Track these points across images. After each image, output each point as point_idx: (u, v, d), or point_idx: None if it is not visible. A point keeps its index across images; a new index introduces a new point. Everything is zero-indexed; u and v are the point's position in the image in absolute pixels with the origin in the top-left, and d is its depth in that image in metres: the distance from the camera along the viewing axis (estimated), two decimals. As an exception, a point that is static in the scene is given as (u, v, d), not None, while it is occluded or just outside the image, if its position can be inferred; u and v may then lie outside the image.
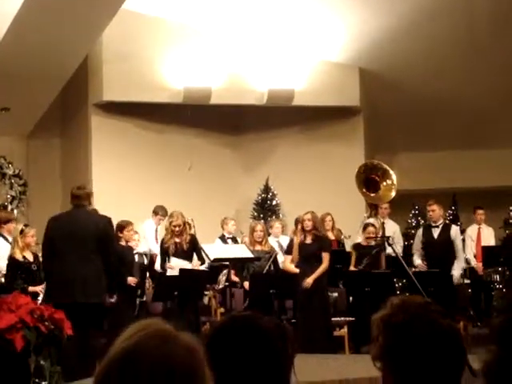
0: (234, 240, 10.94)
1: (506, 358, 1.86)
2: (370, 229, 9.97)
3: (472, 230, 11.69)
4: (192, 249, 9.28)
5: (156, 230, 11.09)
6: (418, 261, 10.09)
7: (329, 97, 12.75)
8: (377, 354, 2.05)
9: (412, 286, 8.70)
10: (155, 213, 11.07)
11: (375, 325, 2.07)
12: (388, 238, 9.16)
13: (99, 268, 7.26)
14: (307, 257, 9.39)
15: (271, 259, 9.84)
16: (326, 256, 9.27)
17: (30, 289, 8.66)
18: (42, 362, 4.74)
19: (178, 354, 1.36)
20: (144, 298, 9.26)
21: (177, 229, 9.24)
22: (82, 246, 7.25)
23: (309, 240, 9.45)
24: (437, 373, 1.95)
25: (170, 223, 9.33)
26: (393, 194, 9.77)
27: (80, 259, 7.22)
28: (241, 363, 1.75)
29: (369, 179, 9.68)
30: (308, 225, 9.46)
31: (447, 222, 10.97)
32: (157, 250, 10.32)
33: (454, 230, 10.24)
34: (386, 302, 2.08)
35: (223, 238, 10.93)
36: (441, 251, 9.96)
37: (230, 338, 1.80)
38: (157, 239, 10.97)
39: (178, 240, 9.24)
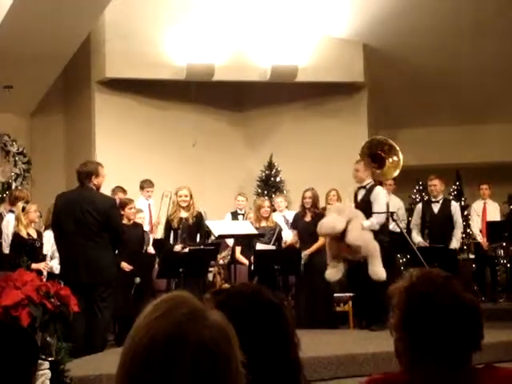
0: (244, 216, 11.01)
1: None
2: None
3: (477, 205, 11.69)
4: (197, 225, 9.23)
5: (149, 206, 11.02)
6: (418, 238, 10.11)
7: (332, 73, 12.71)
8: (396, 324, 2.05)
9: (415, 261, 8.72)
10: (141, 187, 11.03)
11: (396, 295, 2.07)
12: (392, 213, 9.16)
13: (102, 247, 7.24)
14: (306, 234, 9.45)
15: (275, 235, 9.86)
16: None
17: (33, 266, 8.67)
18: (48, 339, 4.76)
19: (216, 336, 1.33)
20: (137, 281, 9.11)
21: (183, 199, 9.17)
22: (85, 225, 7.23)
23: (308, 218, 9.51)
24: (454, 344, 1.96)
25: (177, 194, 9.28)
26: (397, 171, 9.75)
27: (83, 239, 7.21)
28: (252, 340, 1.73)
29: (375, 155, 9.67)
30: (308, 202, 9.53)
31: (447, 197, 10.96)
32: (147, 227, 10.31)
33: (454, 206, 10.27)
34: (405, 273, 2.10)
35: (235, 214, 11.00)
36: (441, 226, 10.00)
37: (237, 306, 1.78)
38: (151, 214, 10.94)
39: (184, 215, 9.18)
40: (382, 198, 9.03)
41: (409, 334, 2.04)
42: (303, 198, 9.70)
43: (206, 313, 1.35)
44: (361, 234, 8.67)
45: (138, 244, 9.42)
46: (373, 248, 8.67)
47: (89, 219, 7.21)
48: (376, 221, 8.86)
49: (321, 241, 9.37)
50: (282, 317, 1.80)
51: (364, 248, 8.66)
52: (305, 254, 9.37)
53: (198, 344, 1.30)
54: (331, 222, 8.77)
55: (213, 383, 1.30)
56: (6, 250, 9.31)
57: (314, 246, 9.43)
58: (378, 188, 9.10)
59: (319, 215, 9.41)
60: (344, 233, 8.67)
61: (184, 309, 1.34)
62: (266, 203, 10.19)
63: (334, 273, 8.89)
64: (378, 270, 8.59)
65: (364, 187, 9.10)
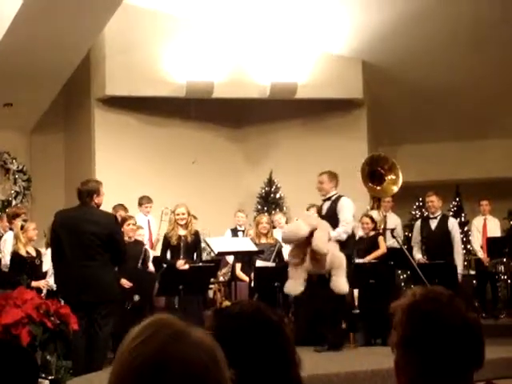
0: (244, 232, 11.00)
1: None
2: (364, 219, 9.95)
3: (478, 221, 11.69)
4: (195, 243, 9.24)
5: (148, 223, 11.02)
6: (418, 255, 10.11)
7: (332, 89, 12.74)
8: (397, 342, 2.05)
9: (416, 277, 8.70)
10: (139, 204, 11.03)
11: (398, 313, 2.07)
12: (393, 230, 9.17)
13: (104, 266, 7.20)
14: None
15: (275, 251, 9.84)
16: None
17: (33, 284, 8.65)
18: (48, 357, 4.75)
19: (202, 355, 1.33)
20: (136, 298, 9.07)
21: (181, 217, 9.18)
22: (87, 244, 7.17)
23: None
24: (456, 363, 1.95)
25: (174, 212, 9.30)
26: (396, 188, 9.76)
27: (84, 257, 7.15)
28: (251, 358, 1.74)
29: (374, 172, 9.67)
30: None
31: (445, 213, 10.96)
32: (147, 243, 10.30)
33: (452, 222, 10.26)
34: (403, 292, 2.09)
35: (234, 230, 11.00)
36: (438, 242, 9.99)
37: (240, 332, 1.79)
38: (150, 231, 10.93)
39: (183, 233, 9.20)
40: (348, 207, 8.66)
41: (410, 352, 2.03)
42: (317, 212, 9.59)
43: (189, 332, 1.35)
44: (326, 241, 8.25)
45: (137, 261, 9.39)
46: (339, 259, 8.28)
47: (91, 238, 7.16)
48: (343, 230, 8.47)
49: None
50: (281, 335, 1.80)
51: (329, 259, 8.25)
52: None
53: (184, 364, 1.31)
54: (294, 228, 8.51)
55: None
56: (4, 269, 9.29)
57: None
58: (344, 198, 8.72)
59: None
60: (309, 242, 8.26)
61: (168, 330, 1.35)
62: (264, 219, 10.17)
63: (293, 286, 8.41)
64: (341, 282, 8.23)
65: (329, 199, 8.78)
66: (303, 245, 8.31)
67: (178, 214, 9.22)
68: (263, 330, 1.79)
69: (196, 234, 9.28)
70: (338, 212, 8.60)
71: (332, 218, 8.54)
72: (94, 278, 7.09)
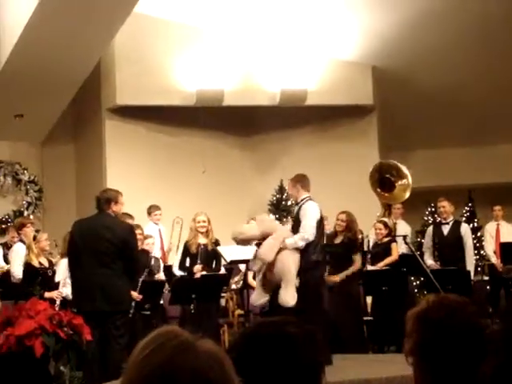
0: None
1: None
2: (377, 225, 9.93)
3: (491, 227, 11.62)
4: (215, 251, 9.20)
5: (159, 232, 10.99)
6: (429, 261, 10.07)
7: (342, 96, 12.73)
8: (410, 350, 2.04)
9: (429, 284, 8.65)
10: (148, 213, 10.98)
11: (410, 320, 2.06)
12: (405, 236, 9.13)
13: (118, 275, 7.16)
14: (335, 257, 9.26)
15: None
16: (356, 258, 9.32)
17: (46, 295, 8.64)
18: (61, 368, 4.75)
19: (210, 363, 1.34)
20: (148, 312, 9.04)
21: (202, 225, 9.14)
22: (102, 252, 7.14)
23: (338, 240, 9.41)
24: (470, 370, 1.93)
25: (195, 220, 9.26)
26: (407, 194, 9.70)
27: (99, 266, 7.12)
28: (269, 372, 1.73)
29: (383, 179, 9.63)
30: (341, 225, 9.44)
31: (458, 219, 10.91)
32: (159, 252, 10.27)
33: (464, 228, 10.22)
34: (419, 299, 2.07)
35: None
36: (451, 248, 9.95)
37: (258, 346, 1.78)
38: (162, 240, 10.90)
39: (203, 241, 9.16)
40: (311, 212, 8.00)
41: (424, 360, 2.02)
42: (336, 219, 9.53)
43: (197, 343, 1.37)
44: (272, 249, 7.72)
45: (150, 271, 9.36)
46: (287, 270, 7.73)
47: (106, 244, 7.14)
48: (299, 237, 7.81)
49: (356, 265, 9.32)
50: (301, 349, 1.79)
51: (279, 269, 7.74)
52: (335, 279, 9.21)
53: (193, 373, 1.32)
54: (243, 229, 8.26)
55: None
56: (15, 280, 9.30)
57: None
58: (308, 203, 8.08)
59: (351, 240, 9.36)
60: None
61: (174, 341, 1.36)
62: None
63: (257, 296, 7.96)
64: (287, 295, 7.64)
65: (297, 204, 8.25)
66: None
67: (198, 222, 9.19)
68: (282, 348, 1.77)
69: (216, 243, 9.26)
70: (301, 217, 8.02)
71: (296, 224, 8.07)
72: (109, 287, 7.05)
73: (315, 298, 7.75)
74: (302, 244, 7.80)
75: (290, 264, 7.74)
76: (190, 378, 1.31)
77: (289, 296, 7.62)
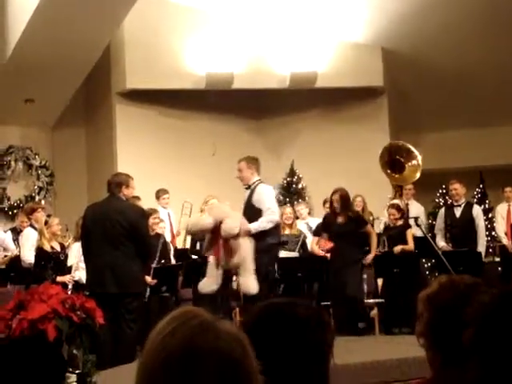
0: None
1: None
2: (390, 210, 9.86)
3: (502, 208, 11.60)
4: None
5: (169, 216, 10.99)
6: (441, 243, 10.06)
7: (352, 78, 12.68)
8: (421, 331, 2.05)
9: (440, 265, 8.65)
10: (157, 197, 10.96)
11: (421, 302, 2.07)
12: (417, 218, 9.09)
13: (129, 257, 7.18)
14: (339, 237, 8.93)
15: (300, 242, 9.82)
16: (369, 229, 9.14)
17: (59, 279, 8.69)
18: (74, 352, 4.77)
19: (231, 344, 1.34)
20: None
21: None
22: (113, 234, 7.16)
23: (341, 219, 8.95)
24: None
25: (207, 204, 9.24)
26: (417, 175, 9.68)
27: (111, 248, 7.15)
28: (279, 352, 1.75)
29: (393, 160, 9.61)
30: (336, 207, 8.98)
31: (470, 201, 10.88)
32: (168, 236, 10.27)
33: (476, 210, 10.20)
34: (431, 281, 2.08)
35: None
36: (463, 230, 9.94)
37: (268, 326, 1.79)
38: (171, 224, 10.90)
39: None
40: (268, 194, 7.91)
41: (435, 341, 2.03)
42: (331, 201, 9.13)
43: (216, 323, 1.36)
44: (234, 222, 7.43)
45: (160, 254, 9.40)
46: (247, 258, 7.52)
47: (118, 228, 7.17)
48: (267, 220, 7.65)
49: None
50: (309, 330, 1.80)
51: (241, 255, 7.50)
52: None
53: (214, 353, 1.31)
54: (195, 220, 8.15)
55: None
56: (25, 265, 9.34)
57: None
58: (262, 186, 7.96)
59: (356, 217, 9.04)
60: (218, 236, 7.56)
61: (195, 321, 1.35)
62: (288, 210, 10.15)
63: (207, 284, 7.75)
64: (248, 282, 7.50)
65: (249, 187, 8.03)
66: (213, 241, 7.69)
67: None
68: (289, 326, 1.79)
69: None
70: (255, 201, 7.82)
71: (249, 209, 7.85)
72: (118, 268, 7.07)
73: (263, 283, 7.57)
74: (269, 226, 7.67)
75: (249, 252, 7.57)
76: (212, 358, 1.31)
77: (251, 283, 7.48)
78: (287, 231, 9.85)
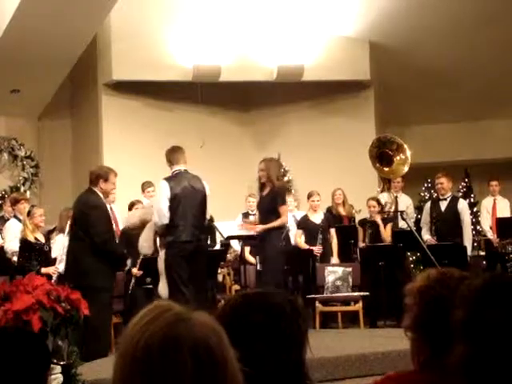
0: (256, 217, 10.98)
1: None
2: (370, 202, 9.93)
3: (487, 202, 11.65)
4: (210, 227, 9.19)
5: None
6: (426, 236, 10.10)
7: (339, 71, 12.68)
8: (410, 324, 2.06)
9: (425, 259, 8.68)
10: (142, 190, 10.94)
11: (411, 295, 2.07)
12: (402, 212, 9.13)
13: (81, 249, 7.19)
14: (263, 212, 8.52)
15: (283, 235, 9.81)
16: (282, 209, 8.32)
17: (43, 270, 8.66)
18: (59, 343, 4.77)
19: (208, 333, 1.36)
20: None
21: None
22: (76, 227, 7.33)
23: (265, 192, 8.50)
24: None
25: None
26: (406, 168, 9.70)
27: (72, 240, 7.34)
28: (254, 340, 1.76)
29: (382, 153, 9.63)
30: (262, 176, 8.50)
31: (455, 195, 10.92)
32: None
33: (462, 204, 10.24)
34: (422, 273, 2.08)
35: (246, 215, 10.99)
36: (448, 224, 9.97)
37: (242, 316, 1.81)
38: None
39: None
40: (158, 192, 8.02)
41: (423, 335, 2.04)
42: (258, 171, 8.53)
43: (192, 315, 1.39)
44: (133, 215, 7.91)
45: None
46: (161, 263, 7.78)
47: (76, 220, 7.34)
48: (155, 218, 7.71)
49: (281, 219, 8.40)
50: (285, 318, 1.81)
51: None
52: (256, 230, 8.33)
53: (193, 340, 1.33)
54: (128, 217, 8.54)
55: (214, 377, 1.33)
56: (8, 255, 9.31)
57: (270, 224, 8.29)
58: (161, 182, 8.08)
59: (276, 190, 8.34)
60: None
61: (171, 312, 1.38)
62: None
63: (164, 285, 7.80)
64: (160, 287, 7.75)
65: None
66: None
67: None
68: (264, 314, 1.80)
69: (211, 219, 9.26)
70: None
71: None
72: (73, 260, 7.18)
73: (170, 280, 7.66)
74: (158, 224, 7.77)
75: (161, 256, 7.81)
76: (188, 345, 1.32)
77: (161, 288, 7.70)
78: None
